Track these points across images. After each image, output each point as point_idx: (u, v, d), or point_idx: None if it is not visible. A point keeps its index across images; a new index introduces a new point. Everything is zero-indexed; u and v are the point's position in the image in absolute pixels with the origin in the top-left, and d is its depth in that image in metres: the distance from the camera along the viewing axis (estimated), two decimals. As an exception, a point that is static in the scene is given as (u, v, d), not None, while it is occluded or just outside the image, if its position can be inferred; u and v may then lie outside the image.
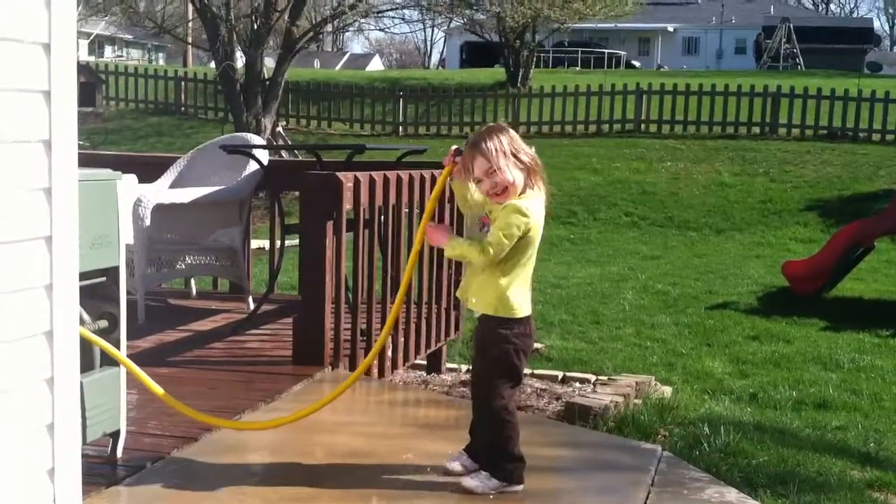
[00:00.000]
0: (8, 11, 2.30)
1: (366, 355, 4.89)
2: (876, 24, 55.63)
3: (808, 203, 16.59)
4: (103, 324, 3.03)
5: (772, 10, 50.75)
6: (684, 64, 45.98)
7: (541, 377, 6.21)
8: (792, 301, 9.62)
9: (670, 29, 54.98)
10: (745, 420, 5.44)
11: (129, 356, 3.21)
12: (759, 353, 7.43)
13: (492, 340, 3.13)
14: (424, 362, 6.19)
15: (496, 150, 3.05)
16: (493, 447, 3.16)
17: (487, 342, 3.15)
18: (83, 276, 2.70)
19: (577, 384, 6.14)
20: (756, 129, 20.22)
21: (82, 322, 2.82)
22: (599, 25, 37.70)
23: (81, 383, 2.75)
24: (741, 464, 4.52)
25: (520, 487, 3.18)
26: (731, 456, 4.63)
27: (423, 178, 5.48)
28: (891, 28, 67.04)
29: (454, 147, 3.23)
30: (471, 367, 3.52)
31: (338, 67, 50.26)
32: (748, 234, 15.45)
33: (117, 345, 3.07)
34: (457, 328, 6.36)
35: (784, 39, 39.85)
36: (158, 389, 3.21)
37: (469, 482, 3.14)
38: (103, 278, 3.01)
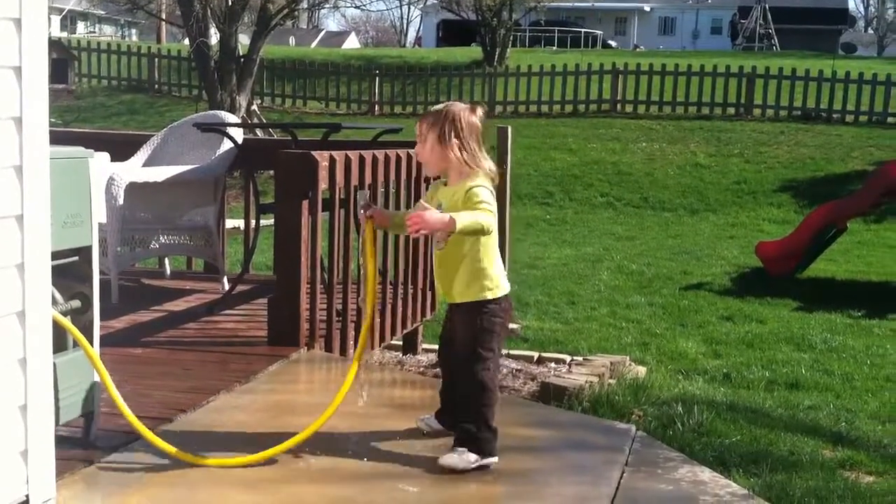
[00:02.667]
0: (-23, -14, 2.27)
1: (342, 336, 4.89)
2: (850, 5, 55.88)
3: (781, 184, 16.70)
4: (76, 304, 2.99)
5: (748, -10, 50.92)
6: (660, 44, 46.04)
7: (516, 358, 6.23)
8: (765, 282, 9.71)
9: (647, 9, 55.00)
10: (719, 400, 5.49)
11: (102, 337, 3.18)
12: (732, 334, 7.49)
13: (481, 317, 3.16)
14: (400, 343, 6.18)
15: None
16: (475, 419, 3.17)
17: (474, 321, 3.17)
18: (55, 255, 2.67)
19: (553, 364, 6.16)
20: (731, 110, 20.32)
21: (54, 302, 2.79)
22: (576, 4, 37.74)
23: (54, 364, 2.73)
24: (714, 443, 4.56)
25: (495, 459, 3.20)
26: (704, 435, 4.67)
27: (398, 158, 5.45)
28: (865, 9, 67.41)
29: (362, 203, 3.24)
30: (439, 347, 3.51)
31: (313, 45, 49.89)
32: (722, 214, 15.55)
33: (91, 325, 3.04)
34: (433, 309, 6.36)
35: (759, 20, 39.99)
36: (117, 397, 3.09)
37: (448, 460, 3.16)
38: (76, 258, 2.97)
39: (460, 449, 3.17)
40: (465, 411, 3.19)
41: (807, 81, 19.93)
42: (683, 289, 9.39)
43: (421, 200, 3.23)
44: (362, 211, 3.23)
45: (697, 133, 19.30)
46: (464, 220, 2.98)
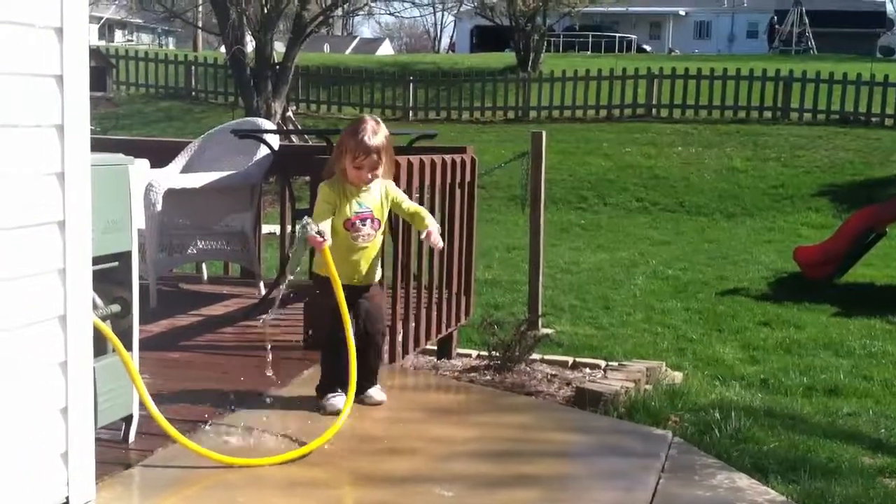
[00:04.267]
0: (20, -4, 2.30)
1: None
2: (889, 8, 55.16)
3: (820, 188, 16.51)
4: (116, 308, 3.03)
5: (784, -7, 50.45)
6: (696, 48, 45.77)
7: (551, 363, 6.20)
8: (803, 287, 9.59)
9: (682, 13, 54.70)
10: (756, 406, 5.43)
11: (140, 340, 3.21)
12: (770, 339, 7.41)
13: (379, 294, 4.00)
14: (435, 347, 6.19)
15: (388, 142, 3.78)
16: (378, 367, 3.98)
17: (376, 297, 3.93)
18: (96, 260, 2.71)
19: (588, 370, 6.13)
20: (768, 114, 20.13)
21: (95, 307, 2.83)
22: (610, 9, 37.56)
23: (94, 367, 2.76)
24: (752, 450, 4.51)
25: None
26: (742, 442, 4.63)
27: (433, 163, 5.47)
28: (904, 12, 66.48)
29: (315, 230, 3.59)
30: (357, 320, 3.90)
31: (348, 52, 50.14)
32: (759, 219, 15.40)
33: (130, 329, 3.08)
34: (467, 314, 6.36)
35: (796, 23, 39.62)
36: (149, 402, 3.13)
37: (380, 395, 3.93)
38: (116, 263, 3.01)
39: (378, 386, 3.95)
40: (377, 363, 3.97)
41: (844, 85, 19.70)
42: (720, 294, 9.31)
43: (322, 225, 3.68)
44: (320, 238, 3.58)
45: (734, 137, 19.15)
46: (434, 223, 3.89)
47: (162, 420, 3.06)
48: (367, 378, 3.88)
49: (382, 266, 3.99)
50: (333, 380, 3.80)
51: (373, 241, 3.83)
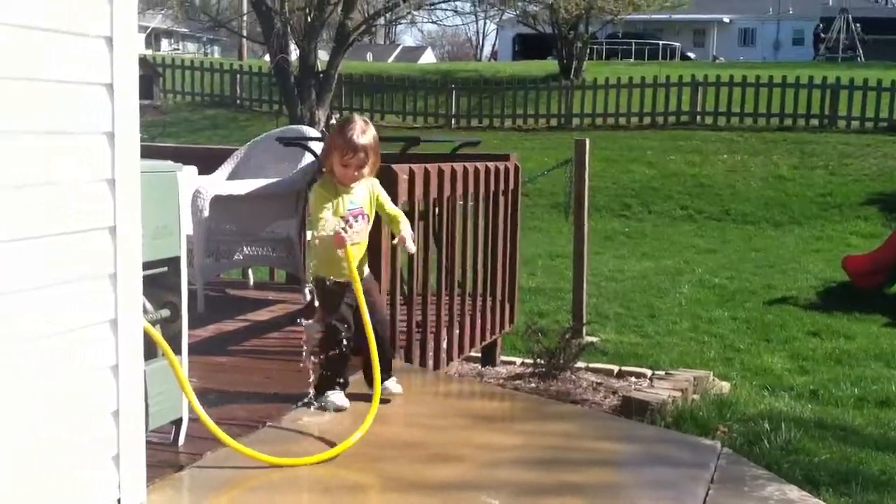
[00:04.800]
0: (72, 6, 2.33)
1: (421, 347, 4.90)
2: (939, 14, 54.14)
3: (869, 196, 16.25)
4: (165, 313, 3.06)
5: (830, 0, 49.79)
6: (741, 55, 45.31)
7: (596, 371, 6.17)
8: (853, 296, 9.43)
9: (726, 20, 54.19)
10: (806, 417, 5.35)
11: (189, 345, 3.23)
12: (819, 350, 7.30)
13: (375, 286, 4.06)
14: (479, 355, 6.18)
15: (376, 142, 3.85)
16: (392, 357, 4.08)
17: (373, 290, 3.99)
18: (146, 265, 2.73)
19: (633, 378, 6.08)
20: (815, 122, 19.87)
21: (145, 311, 2.85)
22: (654, 17, 37.25)
23: (145, 371, 2.78)
24: (802, 461, 4.44)
25: None
26: (792, 453, 4.56)
27: (476, 171, 5.46)
28: (955, 17, 65.35)
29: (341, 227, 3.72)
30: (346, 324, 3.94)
31: (390, 60, 50.37)
32: (807, 227, 15.19)
33: (179, 333, 3.10)
34: (511, 321, 6.34)
35: (843, 30, 39.11)
36: (197, 406, 3.15)
37: (396, 388, 3.95)
38: (165, 268, 3.04)
39: (394, 378, 3.96)
40: (390, 354, 4.03)
41: (893, 92, 19.37)
42: (768, 303, 9.19)
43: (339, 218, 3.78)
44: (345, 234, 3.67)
45: (780, 145, 18.92)
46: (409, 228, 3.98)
47: (208, 421, 3.08)
48: (384, 370, 3.89)
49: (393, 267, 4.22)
50: (332, 379, 3.86)
51: (364, 236, 3.91)
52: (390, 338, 4.61)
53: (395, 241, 3.95)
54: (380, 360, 3.76)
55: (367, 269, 3.98)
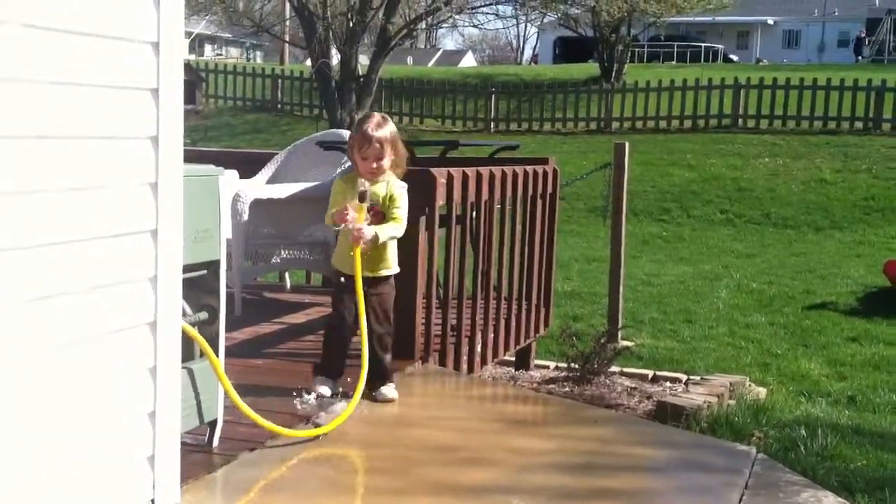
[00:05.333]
0: (120, 12, 2.38)
1: (456, 351, 4.94)
2: None
3: (912, 201, 16.02)
4: (203, 316, 3.11)
5: (876, 1, 49.08)
6: (784, 58, 44.82)
7: (630, 375, 6.16)
8: (893, 302, 9.31)
9: (770, 22, 53.63)
10: (843, 423, 5.31)
11: (226, 347, 3.29)
12: (858, 356, 7.23)
13: (389, 293, 4.04)
14: (513, 359, 6.19)
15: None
16: (389, 365, 4.05)
17: (386, 296, 4.02)
18: (186, 268, 2.78)
19: (668, 383, 6.07)
20: (859, 125, 19.62)
21: (184, 314, 2.90)
22: (696, 19, 36.99)
23: (185, 372, 2.84)
24: (839, 468, 4.41)
25: None
26: (828, 459, 4.53)
27: (515, 174, 5.48)
28: None
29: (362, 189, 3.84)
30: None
31: (430, 64, 50.46)
32: (849, 232, 15.00)
33: (217, 336, 3.16)
34: (546, 325, 6.35)
35: (890, 31, 38.53)
36: (235, 396, 3.23)
37: (392, 393, 3.99)
38: (205, 271, 3.09)
39: (390, 383, 4.02)
40: (387, 360, 4.03)
41: (940, 95, 19.10)
42: (806, 308, 9.10)
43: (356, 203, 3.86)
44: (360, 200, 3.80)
45: (823, 148, 18.70)
46: (385, 236, 3.91)
47: (245, 407, 3.14)
48: (379, 375, 4.00)
49: (395, 263, 4.10)
50: (327, 365, 4.01)
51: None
52: (425, 345, 4.66)
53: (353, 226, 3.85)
54: (376, 367, 3.92)
55: (388, 271, 4.03)
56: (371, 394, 3.95)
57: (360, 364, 3.85)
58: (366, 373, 3.83)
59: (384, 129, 3.93)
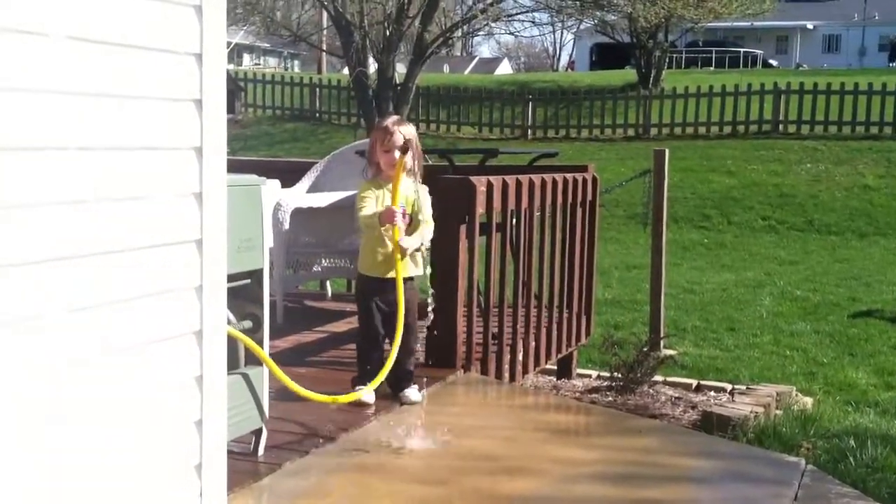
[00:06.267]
0: (164, 23, 2.40)
1: (497, 359, 4.91)
2: None
3: (959, 207, 15.75)
4: (248, 324, 3.12)
5: (919, 4, 48.44)
6: (824, 62, 44.35)
7: (674, 385, 6.09)
8: (942, 309, 9.15)
9: (810, 26, 53.12)
10: (893, 434, 5.19)
11: (270, 356, 3.30)
12: (906, 364, 7.09)
13: (416, 292, 4.07)
14: (555, 367, 6.15)
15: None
16: (413, 369, 4.11)
17: (415, 294, 4.06)
18: (230, 277, 2.79)
19: (712, 393, 5.99)
20: (903, 130, 19.35)
21: (229, 323, 2.91)
22: (735, 24, 36.68)
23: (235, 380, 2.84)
24: (890, 479, 4.32)
25: None
26: (878, 471, 4.43)
27: (555, 182, 5.45)
28: None
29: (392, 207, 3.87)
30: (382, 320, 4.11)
31: (467, 72, 50.53)
32: (893, 238, 14.78)
33: (260, 344, 3.16)
34: (587, 333, 6.31)
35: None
36: (298, 388, 3.30)
37: (416, 395, 4.04)
38: (248, 280, 3.10)
39: (415, 386, 4.06)
40: (411, 364, 4.10)
41: None
42: (852, 316, 8.96)
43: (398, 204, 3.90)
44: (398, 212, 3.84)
45: (866, 154, 18.45)
46: (414, 245, 4.01)
47: (289, 382, 3.25)
48: (405, 378, 4.06)
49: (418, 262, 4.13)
50: (364, 375, 4.04)
51: (404, 234, 3.98)
52: (466, 353, 4.64)
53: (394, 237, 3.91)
54: (400, 368, 3.95)
55: (415, 272, 4.07)
56: (397, 395, 4.04)
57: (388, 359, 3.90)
58: (396, 351, 3.85)
59: (404, 127, 4.03)
